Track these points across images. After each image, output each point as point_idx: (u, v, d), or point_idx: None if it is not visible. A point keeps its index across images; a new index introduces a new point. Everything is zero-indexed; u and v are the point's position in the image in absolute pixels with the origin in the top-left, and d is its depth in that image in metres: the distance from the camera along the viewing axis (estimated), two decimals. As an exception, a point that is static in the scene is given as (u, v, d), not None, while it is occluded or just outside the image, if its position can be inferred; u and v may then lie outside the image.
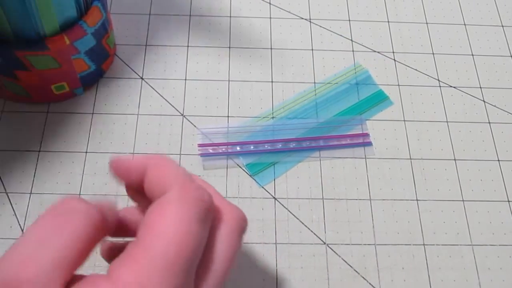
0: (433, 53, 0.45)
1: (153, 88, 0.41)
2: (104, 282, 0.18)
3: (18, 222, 0.35)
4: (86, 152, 0.38)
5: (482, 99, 0.42)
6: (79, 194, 0.36)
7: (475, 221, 0.37)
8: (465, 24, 0.46)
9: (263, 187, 0.37)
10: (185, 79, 0.42)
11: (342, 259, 0.35)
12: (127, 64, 0.42)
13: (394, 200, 0.38)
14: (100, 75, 0.41)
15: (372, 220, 0.37)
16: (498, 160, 0.40)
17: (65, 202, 0.21)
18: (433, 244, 0.36)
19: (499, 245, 0.36)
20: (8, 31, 0.33)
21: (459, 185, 0.38)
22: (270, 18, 0.45)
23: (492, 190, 0.38)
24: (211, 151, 0.38)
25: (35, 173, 0.37)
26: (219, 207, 0.23)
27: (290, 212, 0.37)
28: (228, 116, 0.40)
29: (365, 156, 0.39)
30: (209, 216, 0.21)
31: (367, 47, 0.44)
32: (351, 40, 0.45)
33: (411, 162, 0.39)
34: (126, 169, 0.24)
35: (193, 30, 0.44)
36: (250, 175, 0.38)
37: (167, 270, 0.19)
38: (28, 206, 0.36)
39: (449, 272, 0.35)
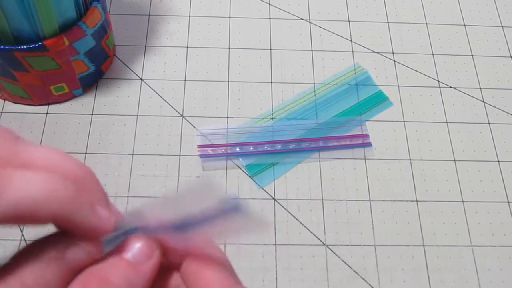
0: (432, 54, 0.44)
1: (152, 89, 0.41)
2: None
3: (18, 223, 0.35)
4: (86, 153, 0.38)
5: (482, 99, 0.42)
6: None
7: (474, 222, 0.37)
8: (465, 25, 0.46)
9: (262, 188, 0.37)
10: (185, 80, 0.42)
11: (342, 260, 0.35)
12: (126, 65, 0.42)
13: (394, 201, 0.38)
14: (99, 76, 0.41)
15: (372, 221, 0.37)
16: (498, 161, 0.40)
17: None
18: (433, 245, 0.36)
19: (499, 246, 0.36)
20: (7, 32, 0.33)
21: (459, 186, 0.38)
22: (270, 18, 0.45)
23: (492, 191, 0.38)
24: (210, 152, 0.38)
25: (34, 174, 0.37)
26: None
27: (290, 213, 0.37)
28: (227, 117, 0.40)
29: (364, 157, 0.39)
30: None
31: (366, 48, 0.44)
32: (351, 40, 0.45)
33: (410, 163, 0.39)
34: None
35: (192, 31, 0.44)
36: (249, 176, 0.38)
37: None
38: (27, 207, 0.36)
39: (449, 273, 0.35)
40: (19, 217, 0.18)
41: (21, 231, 0.35)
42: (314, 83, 0.42)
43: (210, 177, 0.21)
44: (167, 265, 0.23)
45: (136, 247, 0.21)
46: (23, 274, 0.18)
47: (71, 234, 0.20)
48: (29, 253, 0.19)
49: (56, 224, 0.19)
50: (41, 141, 0.38)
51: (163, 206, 0.22)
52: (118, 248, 0.21)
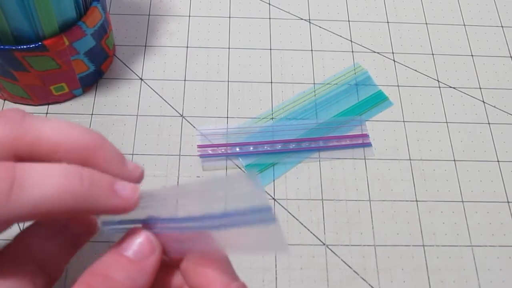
0: (432, 54, 0.44)
1: (152, 89, 0.41)
2: None
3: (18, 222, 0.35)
4: (86, 153, 0.38)
5: (482, 99, 0.42)
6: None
7: (474, 222, 0.37)
8: (464, 25, 0.46)
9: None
10: (185, 80, 0.42)
11: (342, 260, 0.35)
12: (126, 65, 0.42)
13: (394, 201, 0.38)
14: (99, 76, 0.41)
15: (372, 221, 0.37)
16: (498, 161, 0.40)
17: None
18: (433, 245, 0.36)
19: (499, 246, 0.36)
20: (7, 32, 0.33)
21: (459, 186, 0.38)
22: (270, 18, 0.45)
23: (492, 191, 0.38)
24: (210, 152, 0.38)
25: (34, 174, 0.37)
26: None
27: (290, 213, 0.37)
28: (227, 117, 0.40)
29: (364, 157, 0.39)
30: None
31: (366, 48, 0.44)
32: (351, 40, 0.45)
33: (410, 163, 0.39)
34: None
35: (192, 31, 0.44)
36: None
37: None
38: (27, 207, 0.36)
39: (449, 273, 0.35)
40: (37, 215, 0.19)
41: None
42: (314, 83, 0.42)
43: (254, 174, 0.19)
44: (169, 263, 0.23)
45: (137, 243, 0.21)
46: (32, 245, 0.20)
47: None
48: (34, 228, 0.21)
49: (73, 216, 0.20)
50: (41, 141, 0.38)
51: (187, 194, 0.21)
52: (119, 244, 0.21)
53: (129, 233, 0.21)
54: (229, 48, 0.44)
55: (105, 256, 0.20)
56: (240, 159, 0.38)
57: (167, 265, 0.22)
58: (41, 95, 0.38)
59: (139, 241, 0.21)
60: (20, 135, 0.19)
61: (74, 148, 0.20)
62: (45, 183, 0.18)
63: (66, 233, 0.22)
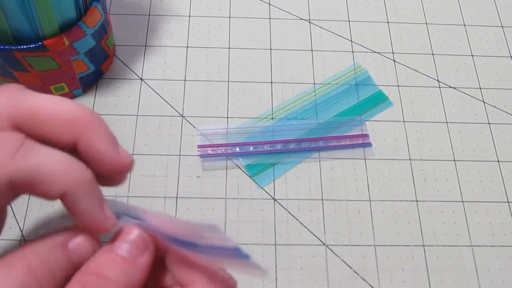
0: (432, 54, 0.44)
1: (152, 89, 0.41)
2: None
3: (18, 223, 0.35)
4: (86, 153, 0.38)
5: (482, 99, 0.42)
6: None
7: (474, 222, 0.37)
8: (464, 25, 0.46)
9: (262, 188, 0.37)
10: (185, 80, 0.42)
11: (342, 260, 0.35)
12: (126, 65, 0.42)
13: (394, 201, 0.38)
14: (99, 76, 0.41)
15: (372, 221, 0.37)
16: (498, 161, 0.40)
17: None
18: (433, 245, 0.36)
19: (499, 246, 0.36)
20: (7, 32, 0.33)
21: (459, 186, 0.38)
22: (270, 18, 0.45)
23: (492, 191, 0.38)
24: (210, 152, 0.38)
25: (34, 174, 0.37)
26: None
27: (290, 213, 0.37)
28: (227, 117, 0.40)
29: (364, 157, 0.39)
30: None
31: (366, 48, 0.44)
32: (351, 40, 0.45)
33: (410, 163, 0.39)
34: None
35: (192, 31, 0.44)
36: (249, 176, 0.38)
37: None
38: (27, 207, 0.36)
39: (449, 273, 0.35)
40: (35, 183, 0.19)
41: (21, 232, 0.35)
42: (314, 83, 0.42)
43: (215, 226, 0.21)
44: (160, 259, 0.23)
45: (130, 240, 0.21)
46: (29, 257, 0.19)
47: (74, 228, 0.20)
48: (35, 241, 0.20)
49: (64, 201, 0.20)
50: (41, 141, 0.38)
51: (166, 222, 0.22)
52: (112, 242, 0.21)
53: (122, 231, 0.21)
54: (229, 48, 0.44)
55: (99, 255, 0.20)
56: (240, 159, 0.38)
57: (160, 262, 0.22)
58: (41, 95, 0.38)
59: (133, 239, 0.21)
60: (18, 103, 0.20)
61: (68, 120, 0.21)
62: (49, 155, 0.19)
63: (66, 249, 0.21)
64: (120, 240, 0.21)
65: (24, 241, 0.35)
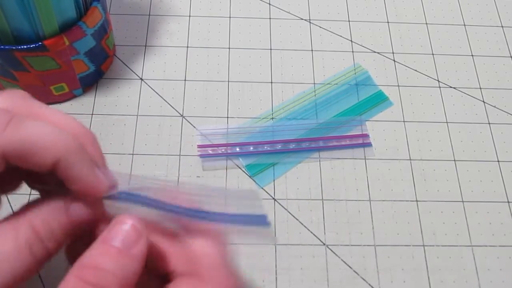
0: (432, 54, 0.44)
1: (152, 89, 0.41)
2: None
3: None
4: (86, 153, 0.38)
5: (482, 99, 0.42)
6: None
7: (474, 222, 0.37)
8: (465, 25, 0.46)
9: (262, 188, 0.37)
10: (185, 80, 0.42)
11: (342, 260, 0.35)
12: (126, 65, 0.42)
13: (394, 201, 0.38)
14: (99, 76, 0.41)
15: (372, 221, 0.37)
16: (498, 161, 0.40)
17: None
18: (433, 245, 0.36)
19: (499, 246, 0.36)
20: (7, 32, 0.33)
21: (459, 186, 0.38)
22: (270, 18, 0.45)
23: (492, 191, 0.38)
24: (210, 152, 0.38)
25: (34, 174, 0.37)
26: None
27: (290, 213, 0.37)
28: (227, 117, 0.40)
29: (364, 157, 0.39)
30: None
31: (366, 48, 0.44)
32: (351, 40, 0.45)
33: (410, 163, 0.39)
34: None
35: (192, 31, 0.44)
36: (249, 176, 0.38)
37: None
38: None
39: (449, 273, 0.35)
40: (28, 153, 0.19)
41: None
42: (314, 83, 0.42)
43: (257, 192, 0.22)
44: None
45: (123, 231, 0.21)
46: (31, 216, 0.20)
47: (72, 192, 0.21)
48: (37, 202, 0.21)
49: (56, 171, 0.20)
50: (41, 141, 0.38)
51: (183, 192, 0.23)
52: (106, 234, 0.21)
53: (115, 222, 0.21)
54: (229, 48, 0.44)
55: (93, 247, 0.20)
56: (240, 159, 0.38)
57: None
58: (41, 95, 0.38)
59: (126, 229, 0.21)
60: (26, 110, 0.21)
61: (48, 142, 0.21)
62: (40, 127, 0.20)
63: (67, 211, 0.22)
64: (114, 232, 0.21)
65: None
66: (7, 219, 0.21)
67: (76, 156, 0.20)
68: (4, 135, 0.19)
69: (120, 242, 0.20)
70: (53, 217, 0.21)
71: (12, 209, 0.35)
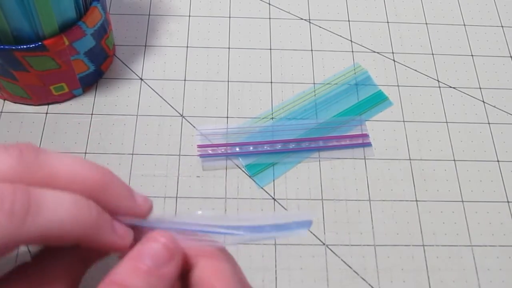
0: (432, 54, 0.44)
1: (152, 89, 0.41)
2: None
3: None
4: (85, 153, 0.38)
5: (482, 99, 0.42)
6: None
7: (474, 222, 0.37)
8: (464, 25, 0.46)
9: (262, 188, 0.37)
10: (185, 80, 0.42)
11: (342, 260, 0.35)
12: (126, 65, 0.42)
13: (394, 201, 0.38)
14: (99, 75, 0.41)
15: (372, 221, 0.37)
16: (498, 161, 0.40)
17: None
18: (433, 245, 0.36)
19: (499, 246, 0.36)
20: (7, 32, 0.33)
21: (459, 186, 0.38)
22: (270, 18, 0.45)
23: (492, 191, 0.38)
24: (210, 152, 0.38)
25: (34, 174, 0.37)
26: None
27: (290, 213, 0.37)
28: (227, 117, 0.40)
29: (364, 157, 0.39)
30: None
31: (366, 48, 0.44)
32: (351, 40, 0.45)
33: (410, 162, 0.39)
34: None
35: (192, 31, 0.44)
36: (249, 176, 0.38)
37: None
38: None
39: (449, 273, 0.35)
40: (49, 239, 0.19)
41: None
42: (314, 83, 0.42)
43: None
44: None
45: (154, 249, 0.20)
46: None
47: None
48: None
49: (79, 243, 0.20)
50: (40, 141, 0.38)
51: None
52: (136, 251, 0.20)
53: (147, 239, 0.21)
54: (229, 48, 0.44)
55: (122, 264, 0.20)
56: (240, 159, 0.38)
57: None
58: (41, 95, 0.38)
59: (157, 248, 0.20)
60: (34, 170, 0.20)
61: (86, 184, 0.20)
62: (58, 209, 0.19)
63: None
64: (144, 249, 0.20)
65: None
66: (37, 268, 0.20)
67: (94, 230, 0.20)
68: (23, 228, 0.18)
69: (150, 260, 0.20)
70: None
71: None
